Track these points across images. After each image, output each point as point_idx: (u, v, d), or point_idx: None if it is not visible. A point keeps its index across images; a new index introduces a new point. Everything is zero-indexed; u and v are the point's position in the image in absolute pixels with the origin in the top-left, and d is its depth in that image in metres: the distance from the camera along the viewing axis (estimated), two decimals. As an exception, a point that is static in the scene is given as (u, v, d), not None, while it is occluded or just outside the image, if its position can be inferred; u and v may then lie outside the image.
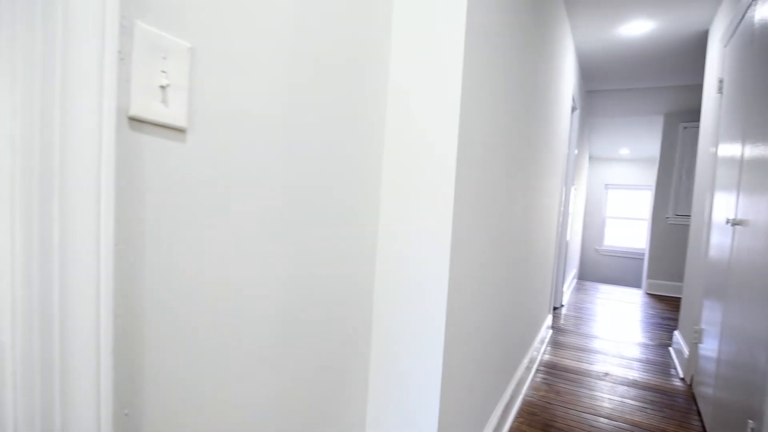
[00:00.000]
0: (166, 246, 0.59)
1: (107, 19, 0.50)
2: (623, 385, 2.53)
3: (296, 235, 0.83)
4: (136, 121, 0.54)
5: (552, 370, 2.70)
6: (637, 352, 3.16)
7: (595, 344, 3.30)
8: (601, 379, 2.59)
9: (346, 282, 1.00)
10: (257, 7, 0.70)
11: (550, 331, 3.50)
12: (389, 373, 1.10)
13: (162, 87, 0.57)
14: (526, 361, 2.36)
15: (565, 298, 4.74)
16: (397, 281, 1.08)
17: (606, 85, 4.83)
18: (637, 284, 8.01)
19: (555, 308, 4.39)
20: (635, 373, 2.73)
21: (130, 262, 0.55)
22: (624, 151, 7.65)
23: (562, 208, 3.90)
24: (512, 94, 1.50)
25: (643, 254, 7.93)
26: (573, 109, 4.04)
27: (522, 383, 2.24)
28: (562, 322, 3.92)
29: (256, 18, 0.70)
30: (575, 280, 6.15)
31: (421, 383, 1.06)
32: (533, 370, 2.60)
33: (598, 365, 2.84)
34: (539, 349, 2.85)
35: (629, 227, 8.36)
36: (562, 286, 4.45)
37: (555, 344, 3.24)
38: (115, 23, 0.51)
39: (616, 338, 3.49)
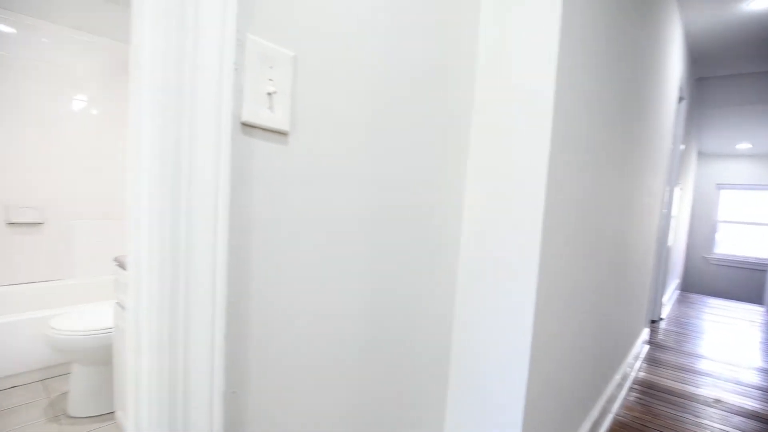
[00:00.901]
0: (268, 242, 0.64)
1: (226, 35, 0.55)
2: (739, 415, 2.20)
3: (381, 236, 0.85)
4: (247, 126, 0.60)
5: (648, 390, 2.43)
6: (757, 379, 2.72)
7: (702, 365, 2.91)
8: (710, 406, 2.28)
9: (428, 288, 1.00)
10: (352, 18, 0.73)
11: (647, 347, 3.16)
12: (469, 386, 1.08)
13: (269, 94, 0.61)
14: (617, 378, 2.16)
15: (665, 311, 4.25)
16: (479, 291, 1.05)
17: (721, 71, 4.22)
18: (757, 300, 6.90)
19: (653, 321, 3.96)
20: (755, 404, 2.36)
21: (239, 255, 0.60)
22: (742, 146, 6.62)
23: (664, 210, 3.49)
24: (609, 85, 1.38)
25: (765, 265, 6.81)
26: (680, 99, 3.59)
27: (612, 401, 2.05)
28: (661, 337, 3.52)
29: (350, 28, 0.73)
30: (677, 291, 5.48)
31: (503, 397, 1.02)
32: (626, 388, 2.37)
33: (706, 389, 2.50)
34: (633, 366, 2.59)
35: (747, 233, 7.22)
36: (662, 297, 3.99)
37: (652, 361, 2.92)
38: (232, 38, 0.56)
39: (729, 360, 3.05)
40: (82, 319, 1.68)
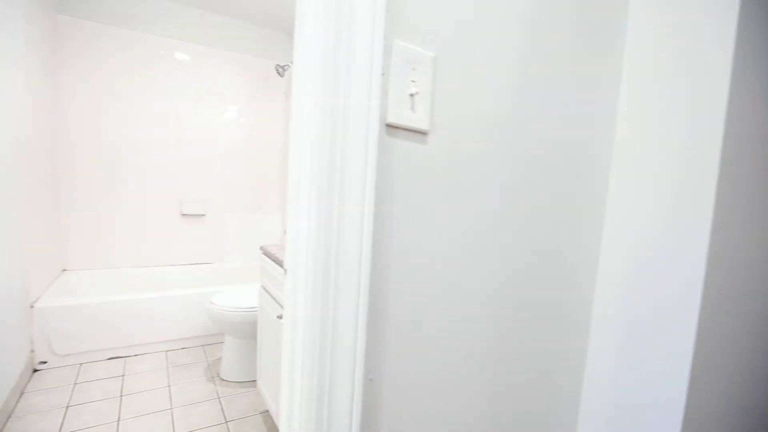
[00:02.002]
0: (405, 239, 0.66)
1: (375, 45, 0.58)
2: None
3: (515, 238, 0.81)
4: (391, 127, 0.62)
5: None
6: None
7: None
8: None
9: (562, 294, 0.92)
10: (489, 15, 0.71)
11: None
12: (608, 400, 0.97)
13: (411, 95, 0.63)
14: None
15: None
16: (623, 292, 0.93)
17: None
18: None
19: None
20: None
21: (380, 250, 0.63)
22: None
23: None
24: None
25: None
26: None
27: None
28: None
29: (488, 25, 0.71)
30: None
31: (652, 412, 0.89)
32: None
33: None
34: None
35: None
36: None
37: None
38: (381, 46, 0.59)
39: None
40: (233, 297, 1.97)
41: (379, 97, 0.59)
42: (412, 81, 0.63)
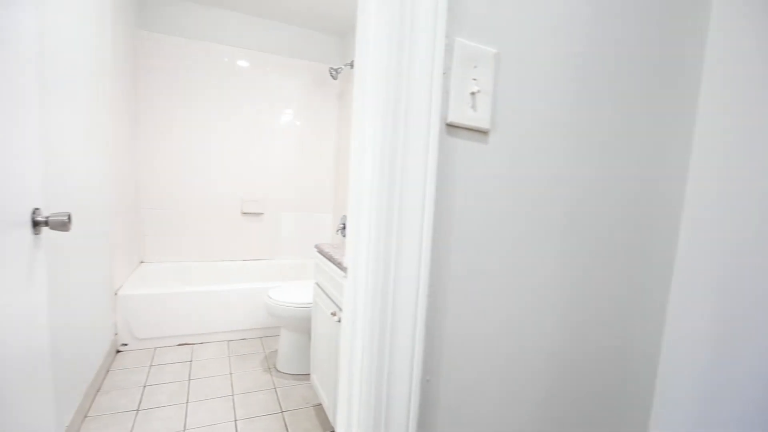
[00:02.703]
0: (463, 239, 0.65)
1: (437, 44, 0.58)
2: None
3: (579, 243, 0.77)
4: (451, 127, 0.62)
5: None
6: None
7: None
8: None
9: (632, 303, 0.86)
10: (553, 10, 0.68)
11: None
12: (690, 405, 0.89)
13: (472, 93, 0.62)
14: None
15: None
16: (698, 314, 0.85)
17: None
18: None
19: None
20: None
21: (439, 250, 0.63)
22: None
23: None
24: None
25: None
26: None
27: None
28: None
29: (551, 20, 0.68)
30: None
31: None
32: None
33: None
34: None
35: None
36: None
37: None
38: (442, 45, 0.58)
39: None
40: (289, 293, 2.05)
41: (440, 96, 0.59)
42: (474, 79, 0.62)
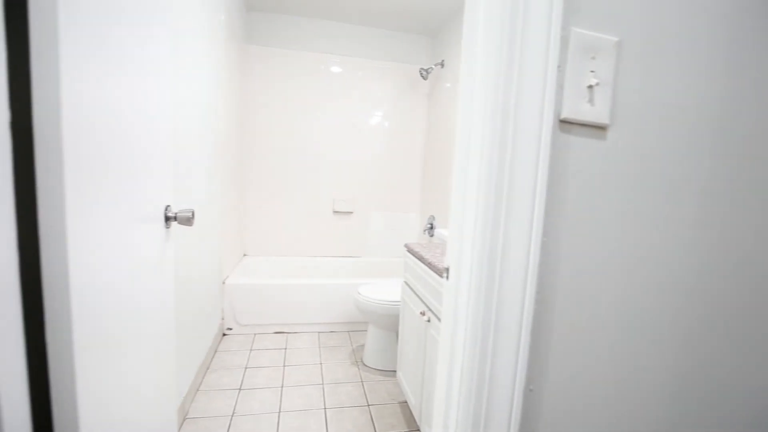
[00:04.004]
0: (576, 242, 0.61)
1: (551, 35, 0.55)
2: None
3: (709, 251, 0.67)
4: (566, 123, 0.58)
5: None
6: None
7: None
8: None
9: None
10: (694, -25, 0.60)
11: None
12: None
13: (589, 87, 0.58)
14: None
15: None
16: None
17: None
18: None
19: None
20: None
21: (549, 255, 0.59)
22: None
23: None
24: None
25: None
26: None
27: None
28: None
29: (681, 3, 0.60)
30: None
31: None
32: None
33: None
34: None
35: None
36: None
37: None
38: (557, 36, 0.55)
39: None
40: (378, 290, 2.11)
41: (554, 91, 0.55)
42: (591, 71, 0.58)
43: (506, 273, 0.57)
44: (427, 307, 1.38)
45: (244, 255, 3.03)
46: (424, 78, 2.83)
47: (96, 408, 0.64)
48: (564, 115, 0.57)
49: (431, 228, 2.84)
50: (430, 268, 1.34)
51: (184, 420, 1.66)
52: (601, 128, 0.59)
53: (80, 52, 0.55)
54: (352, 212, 3.16)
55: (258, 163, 2.97)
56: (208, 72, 1.89)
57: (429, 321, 1.34)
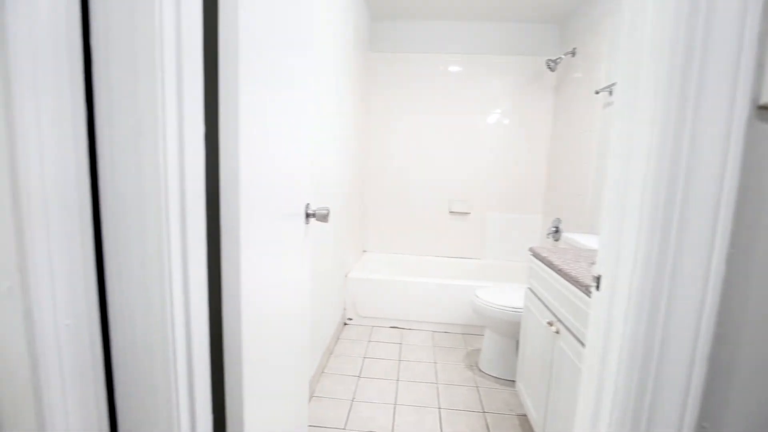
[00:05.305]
0: (778, 256, 0.49)
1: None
2: None
3: None
4: (764, 109, 0.47)
5: None
6: None
7: None
8: None
9: None
10: None
11: None
12: None
13: (805, 62, 0.46)
14: None
15: None
16: None
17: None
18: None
19: None
20: None
21: (737, 270, 0.49)
22: None
23: None
24: None
25: None
26: None
27: None
28: None
29: None
30: None
31: None
32: None
33: None
34: None
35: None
36: None
37: None
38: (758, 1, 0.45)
39: None
40: (497, 294, 2.03)
41: (752, 71, 0.45)
42: (809, 42, 0.46)
43: (677, 289, 0.49)
44: (556, 317, 1.27)
45: (364, 251, 3.21)
46: (552, 69, 2.63)
47: (251, 374, 0.73)
48: (764, 100, 0.47)
49: (556, 231, 2.62)
50: (560, 275, 1.24)
51: (311, 397, 1.82)
52: (820, 113, 0.47)
53: (249, 101, 0.65)
54: (468, 213, 3.10)
55: (376, 163, 3.11)
56: (336, 80, 2.04)
57: (558, 332, 1.24)
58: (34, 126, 0.44)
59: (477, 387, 1.97)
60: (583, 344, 1.06)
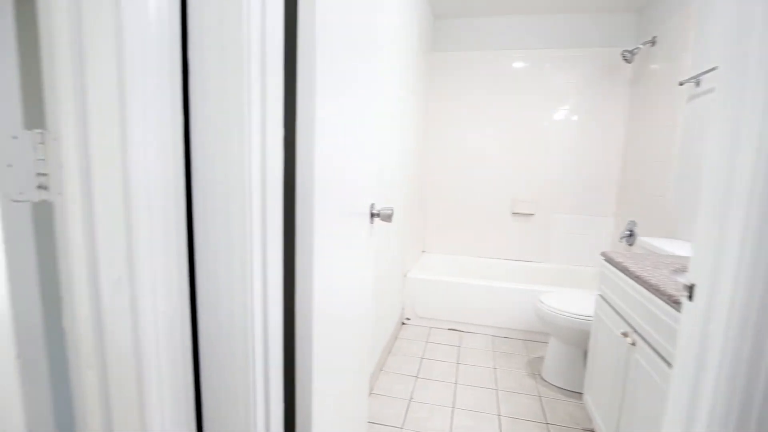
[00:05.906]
0: None
1: None
2: None
3: None
4: None
5: None
6: None
7: None
8: None
9: None
10: None
11: None
12: None
13: None
14: None
15: None
16: None
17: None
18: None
19: None
20: None
21: None
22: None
23: None
24: None
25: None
26: None
27: None
28: None
29: None
30: None
31: None
32: None
33: None
34: None
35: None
36: None
37: None
38: None
39: None
40: (564, 300, 1.93)
41: None
42: None
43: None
44: (632, 328, 1.18)
45: (423, 252, 3.20)
46: (628, 61, 2.44)
47: (319, 366, 0.76)
48: None
49: (630, 235, 2.43)
50: (638, 282, 1.15)
51: (370, 393, 1.86)
52: None
53: (323, 104, 0.68)
54: (533, 214, 2.97)
55: (436, 163, 3.08)
56: (399, 81, 2.06)
57: (634, 344, 1.15)
58: (141, 133, 0.49)
59: (540, 396, 1.89)
60: (663, 358, 0.98)
